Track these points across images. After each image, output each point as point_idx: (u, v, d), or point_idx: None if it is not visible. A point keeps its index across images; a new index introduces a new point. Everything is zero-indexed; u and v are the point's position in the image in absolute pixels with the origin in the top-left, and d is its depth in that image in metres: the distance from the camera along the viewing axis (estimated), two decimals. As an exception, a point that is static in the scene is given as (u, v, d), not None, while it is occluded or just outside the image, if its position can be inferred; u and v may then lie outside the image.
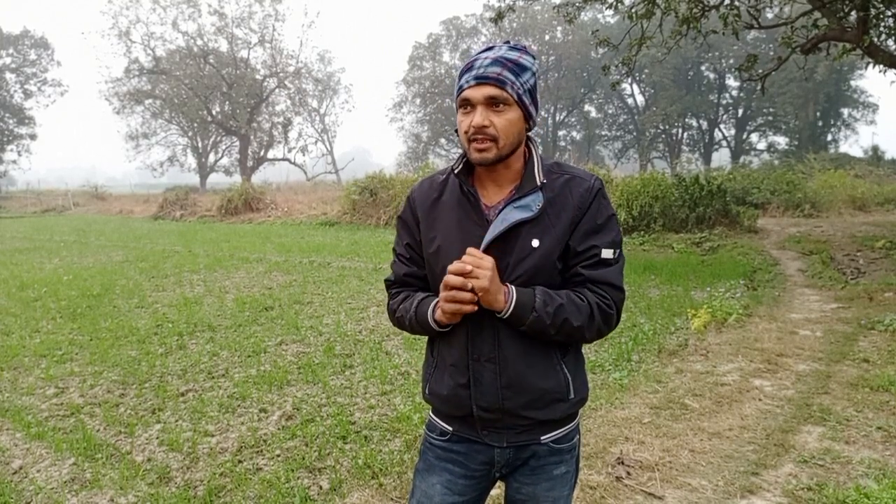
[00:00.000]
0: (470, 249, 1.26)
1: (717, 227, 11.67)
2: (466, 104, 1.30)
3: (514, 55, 1.29)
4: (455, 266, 1.24)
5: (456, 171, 1.40)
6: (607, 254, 1.34)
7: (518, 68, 1.29)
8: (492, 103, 1.28)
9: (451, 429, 1.46)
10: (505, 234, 1.30)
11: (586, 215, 1.34)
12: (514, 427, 1.39)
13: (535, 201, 1.32)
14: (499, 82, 1.27)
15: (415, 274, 1.48)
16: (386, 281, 1.57)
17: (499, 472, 1.46)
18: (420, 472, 1.51)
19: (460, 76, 1.32)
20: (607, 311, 1.33)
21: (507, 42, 1.33)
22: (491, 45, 1.33)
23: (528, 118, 1.34)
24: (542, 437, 1.41)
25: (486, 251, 1.31)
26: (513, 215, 1.31)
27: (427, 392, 1.49)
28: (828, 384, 4.09)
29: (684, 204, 11.98)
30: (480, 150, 1.29)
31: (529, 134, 1.40)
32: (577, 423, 1.48)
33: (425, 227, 1.44)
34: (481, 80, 1.27)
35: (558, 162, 1.42)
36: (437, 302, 1.33)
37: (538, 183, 1.34)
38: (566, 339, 1.34)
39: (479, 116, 1.27)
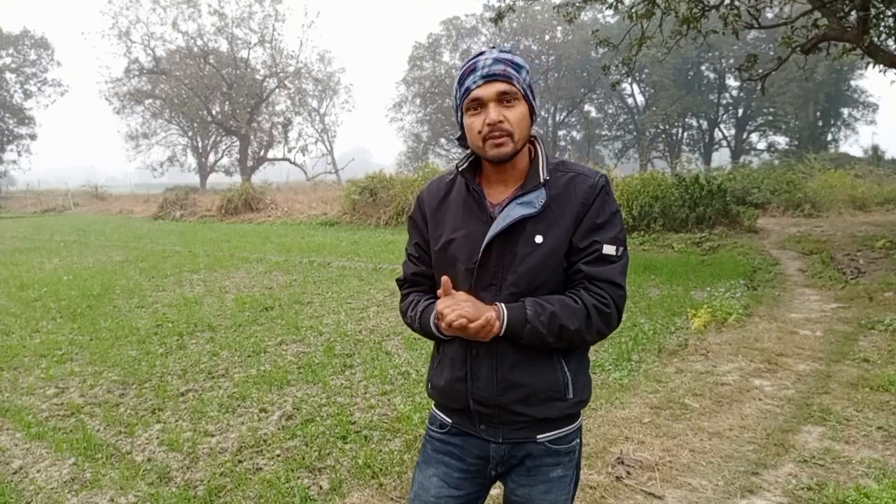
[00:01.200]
0: (444, 299, 1.27)
1: (717, 226, 11.66)
2: (476, 104, 1.32)
3: (508, 55, 1.33)
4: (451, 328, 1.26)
5: (461, 170, 1.43)
6: (609, 250, 1.34)
7: (516, 66, 1.33)
8: (502, 99, 1.30)
9: (450, 421, 1.49)
10: (509, 230, 1.32)
11: (589, 212, 1.35)
12: (510, 423, 1.39)
13: (539, 198, 1.34)
14: (507, 78, 1.30)
15: (423, 273, 1.51)
16: (397, 280, 1.61)
17: (494, 470, 1.46)
18: (419, 464, 1.54)
19: (462, 79, 1.34)
20: (605, 311, 1.32)
21: (494, 47, 1.37)
22: (481, 51, 1.37)
23: (532, 113, 1.37)
24: (538, 436, 1.40)
25: (489, 247, 1.34)
26: (516, 211, 1.32)
27: (429, 386, 1.53)
28: (828, 384, 4.09)
29: (684, 204, 11.97)
30: (498, 146, 1.31)
31: (533, 132, 1.43)
32: (579, 427, 1.46)
33: (433, 225, 1.47)
34: (490, 78, 1.30)
35: (564, 161, 1.44)
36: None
37: (541, 180, 1.36)
38: (568, 344, 1.34)
39: (493, 113, 1.29)
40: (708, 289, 7.02)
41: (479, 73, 1.31)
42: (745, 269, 8.29)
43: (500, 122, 1.29)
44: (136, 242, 14.82)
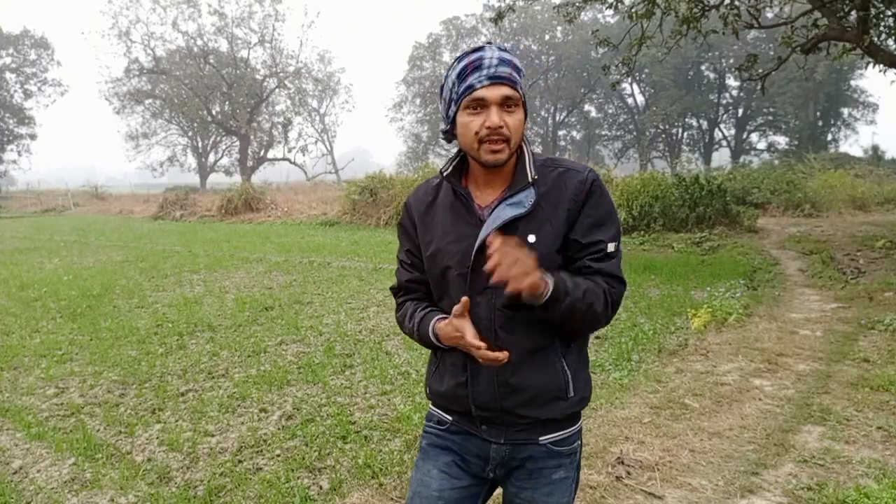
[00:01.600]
0: (489, 239, 1.19)
1: (717, 226, 11.66)
2: (477, 104, 1.28)
3: (509, 55, 1.30)
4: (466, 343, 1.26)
5: (445, 174, 1.40)
6: (611, 248, 1.34)
7: (518, 69, 1.31)
8: (505, 103, 1.28)
9: (449, 419, 1.47)
10: (500, 231, 1.30)
11: (585, 207, 1.33)
12: (513, 424, 1.38)
13: (528, 197, 1.32)
14: (512, 82, 1.28)
15: (417, 279, 1.50)
16: (391, 288, 1.59)
17: (493, 472, 1.44)
18: (416, 463, 1.53)
19: (465, 75, 1.29)
20: (614, 300, 1.33)
21: (490, 43, 1.33)
22: (481, 45, 1.32)
23: (526, 118, 1.36)
24: (540, 438, 1.39)
25: (481, 250, 1.30)
26: (506, 213, 1.31)
27: (428, 390, 1.52)
28: (828, 384, 4.09)
29: (684, 204, 11.97)
30: (495, 152, 1.28)
31: None
32: (580, 429, 1.46)
33: (422, 231, 1.45)
34: (496, 80, 1.27)
35: (552, 157, 1.42)
36: (437, 319, 1.37)
37: (529, 179, 1.34)
38: (583, 326, 1.33)
39: (495, 116, 1.26)
40: (708, 289, 7.02)
41: (484, 73, 1.27)
42: (745, 269, 8.29)
43: (501, 127, 1.27)
44: (136, 242, 14.82)
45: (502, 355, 1.25)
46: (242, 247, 13.06)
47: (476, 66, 1.28)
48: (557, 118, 44.72)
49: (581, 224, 1.33)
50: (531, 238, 1.31)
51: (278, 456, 3.27)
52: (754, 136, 40.61)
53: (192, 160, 47.00)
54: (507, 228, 1.31)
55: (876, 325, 5.39)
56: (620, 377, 4.32)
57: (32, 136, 47.91)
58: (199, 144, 46.26)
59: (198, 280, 8.94)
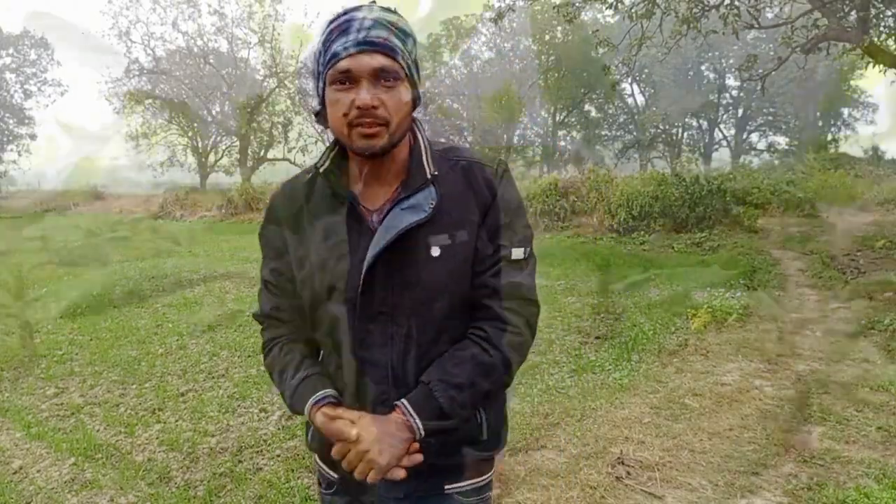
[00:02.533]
0: (338, 447, 1.05)
1: (718, 226, 11.66)
2: (345, 78, 1.01)
3: (392, 17, 1.03)
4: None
5: (322, 170, 1.12)
6: (517, 254, 1.10)
7: (402, 34, 1.04)
8: (380, 77, 1.01)
9: (336, 476, 1.20)
10: (395, 244, 1.05)
11: (492, 208, 1.10)
12: (414, 475, 1.10)
13: (427, 198, 1.07)
14: (388, 50, 1.01)
15: (285, 307, 1.19)
16: (254, 316, 1.25)
17: None
18: None
19: (329, 41, 1.02)
20: (519, 341, 1.10)
21: (373, 1, 1.07)
22: (357, 6, 1.06)
23: (416, 96, 1.10)
24: (446, 487, 1.16)
25: (371, 268, 1.06)
26: (401, 219, 1.05)
27: (309, 439, 1.24)
28: (828, 384, 4.09)
29: (684, 204, 11.97)
30: (368, 136, 1.02)
31: (414, 115, 1.13)
32: (491, 478, 1.22)
33: (293, 243, 1.15)
34: (365, 47, 1.00)
35: (454, 146, 1.17)
36: (315, 405, 1.10)
37: (428, 175, 1.09)
38: (491, 395, 1.14)
39: (366, 93, 1.00)
40: (708, 289, 7.01)
41: (352, 38, 1.00)
42: (745, 269, 8.29)
43: (375, 107, 1.00)
44: (136, 242, 14.81)
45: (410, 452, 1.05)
46: (242, 246, 13.05)
47: (343, 30, 1.01)
48: (557, 118, 44.69)
49: (484, 230, 1.09)
50: (434, 251, 1.07)
51: (278, 456, 3.27)
52: (754, 136, 40.60)
53: (192, 160, 46.99)
54: (405, 239, 1.05)
55: (876, 325, 5.38)
56: (620, 377, 4.32)
57: (32, 136, 47.84)
58: (199, 144, 46.25)
59: (198, 280, 8.94)
